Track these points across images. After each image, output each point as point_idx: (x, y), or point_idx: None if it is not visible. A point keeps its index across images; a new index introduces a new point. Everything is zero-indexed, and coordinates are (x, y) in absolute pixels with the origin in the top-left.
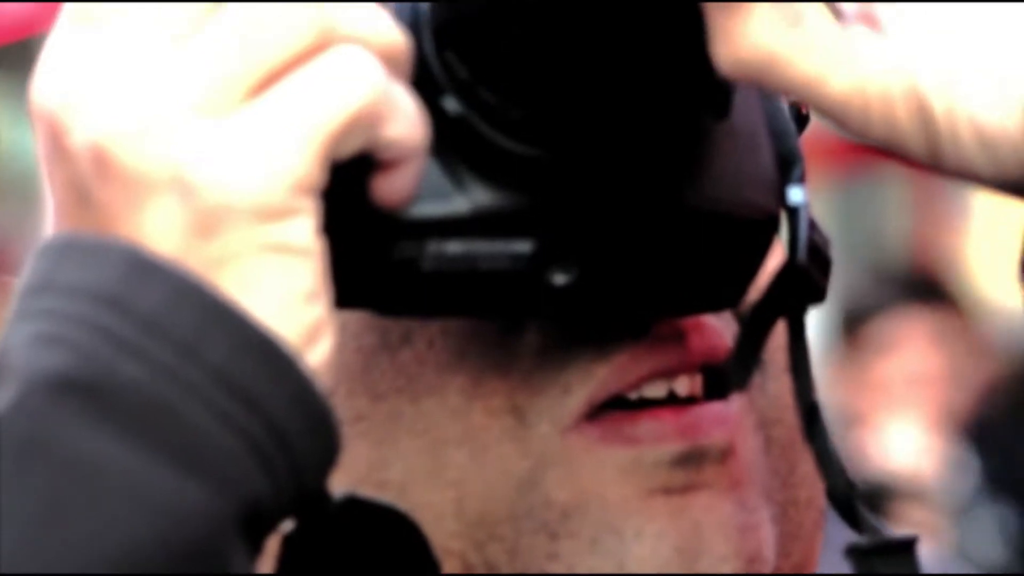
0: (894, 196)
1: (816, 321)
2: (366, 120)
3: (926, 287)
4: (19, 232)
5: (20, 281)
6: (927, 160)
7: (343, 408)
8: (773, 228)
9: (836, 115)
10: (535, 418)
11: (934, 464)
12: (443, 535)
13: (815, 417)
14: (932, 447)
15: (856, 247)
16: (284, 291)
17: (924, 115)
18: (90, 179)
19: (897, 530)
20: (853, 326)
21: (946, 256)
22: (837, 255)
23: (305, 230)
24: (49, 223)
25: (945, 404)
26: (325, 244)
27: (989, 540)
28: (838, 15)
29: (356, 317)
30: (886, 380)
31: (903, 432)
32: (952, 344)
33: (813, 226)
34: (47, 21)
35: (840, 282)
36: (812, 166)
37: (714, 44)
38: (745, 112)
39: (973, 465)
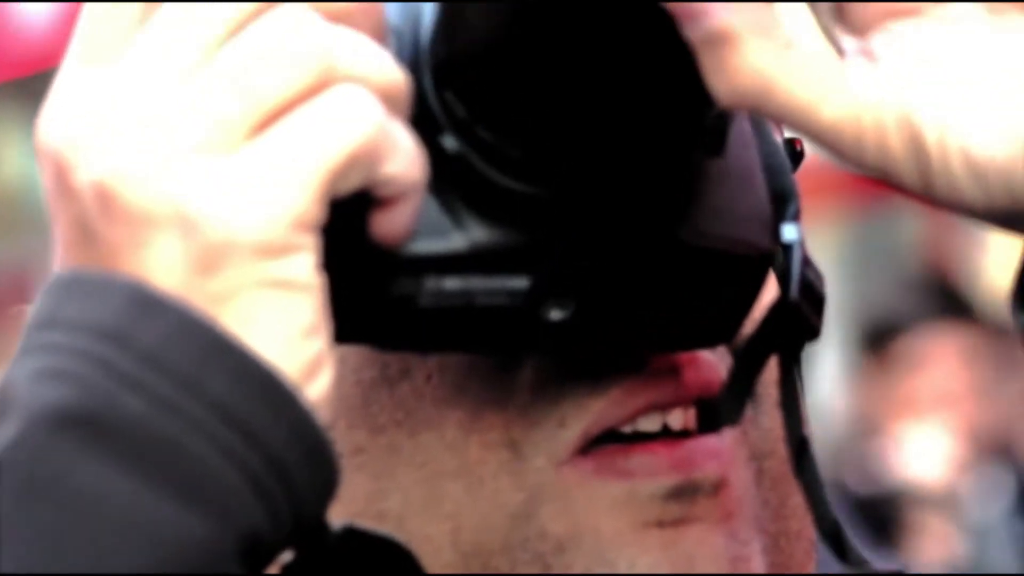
0: (914, 210)
1: (841, 335)
2: (366, 158)
3: (953, 303)
4: (37, 263)
5: (28, 317)
6: (919, 189)
7: (343, 441)
8: (767, 265)
9: (830, 142)
10: (531, 451)
11: (956, 477)
12: (439, 566)
13: (805, 452)
14: (957, 460)
15: (879, 262)
16: (284, 326)
17: (917, 144)
18: (94, 216)
19: (915, 542)
20: (879, 341)
21: (967, 271)
22: (860, 269)
23: (305, 266)
24: (57, 260)
25: (972, 420)
26: (325, 280)
27: (1010, 558)
28: (839, 49)
29: (355, 351)
30: (913, 396)
31: (925, 443)
32: (980, 361)
33: (807, 263)
34: (62, 54)
35: (865, 297)
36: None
37: (709, 77)
38: (740, 150)
39: (1005, 483)
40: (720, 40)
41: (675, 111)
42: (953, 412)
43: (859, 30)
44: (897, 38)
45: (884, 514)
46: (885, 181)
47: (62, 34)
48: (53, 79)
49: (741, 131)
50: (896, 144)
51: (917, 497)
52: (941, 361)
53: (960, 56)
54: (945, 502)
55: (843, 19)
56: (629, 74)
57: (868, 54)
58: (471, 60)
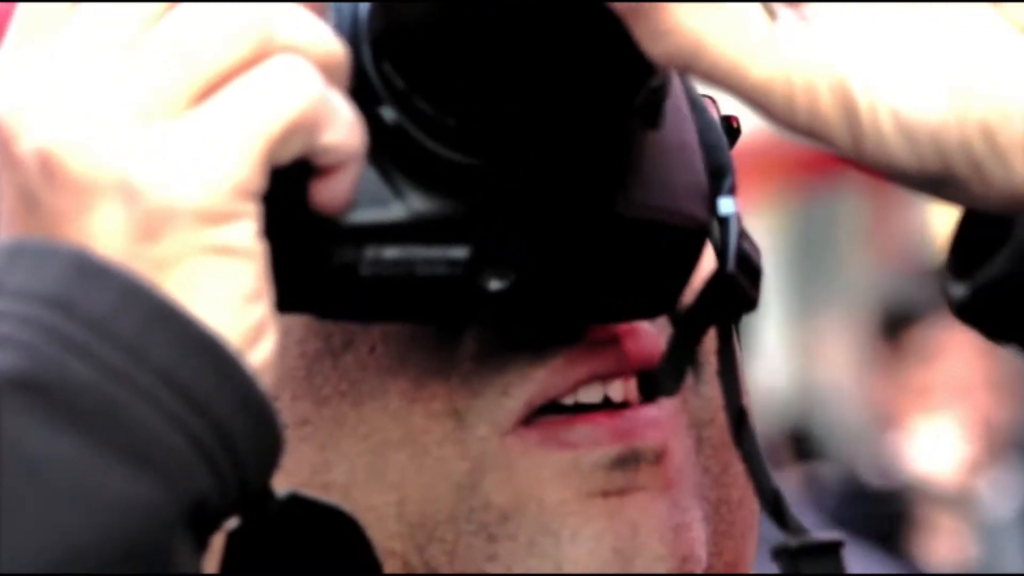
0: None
1: (855, 322)
2: (304, 126)
3: None
4: None
5: None
6: (850, 151)
7: (287, 413)
8: (704, 236)
9: (760, 102)
10: (474, 420)
11: (969, 475)
12: (384, 536)
13: (743, 421)
14: (970, 456)
15: (892, 250)
16: (226, 292)
17: (848, 105)
18: (38, 185)
19: (924, 537)
20: (895, 330)
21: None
22: (874, 258)
23: (246, 232)
24: (1, 232)
25: (987, 414)
26: (266, 248)
27: (1022, 559)
28: (772, 15)
29: (299, 323)
30: (927, 386)
31: (938, 437)
32: (995, 352)
33: (743, 236)
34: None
35: (880, 286)
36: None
37: (639, 40)
38: (676, 124)
39: (1020, 481)
40: (649, 4)
41: (610, 82)
42: (967, 405)
43: None
44: (832, 5)
45: (896, 509)
46: (816, 142)
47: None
48: None
49: (677, 106)
50: (827, 105)
51: (929, 494)
52: (956, 352)
53: (893, 20)
54: (958, 500)
55: None
56: (564, 45)
57: (802, 18)
58: (408, 32)
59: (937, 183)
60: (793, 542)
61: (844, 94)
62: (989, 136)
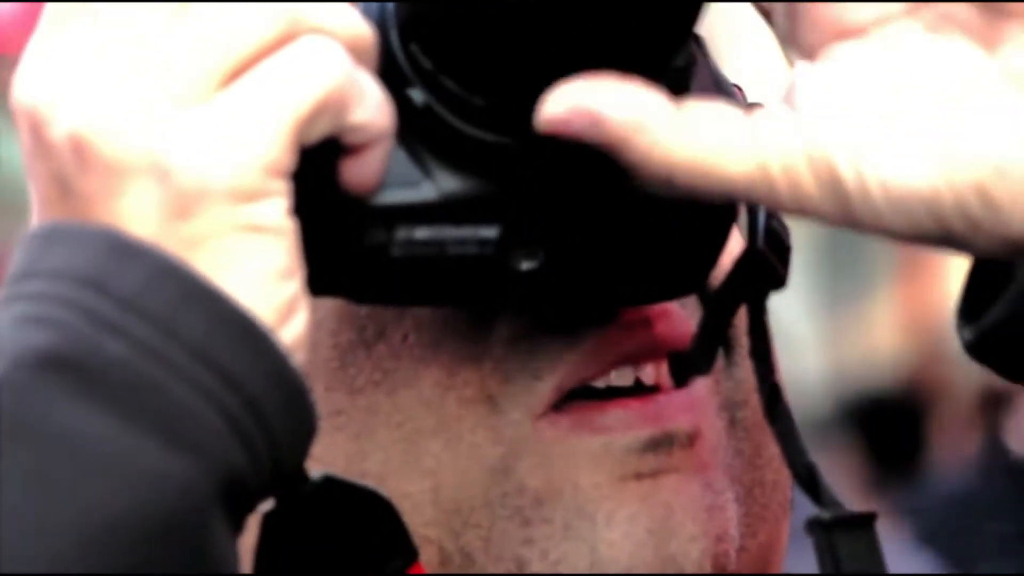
0: None
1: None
2: (333, 105)
3: None
4: (13, 243)
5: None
6: (841, 222)
7: (322, 403)
8: (732, 214)
9: (745, 195)
10: (507, 405)
11: None
12: (420, 523)
13: (777, 398)
14: None
15: None
16: (258, 269)
17: (833, 183)
18: (71, 169)
19: None
20: None
21: None
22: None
23: (277, 210)
24: (35, 217)
25: None
26: (297, 228)
27: None
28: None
29: (332, 314)
30: None
31: None
32: None
33: (771, 213)
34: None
35: None
36: None
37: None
38: (702, 98)
39: None
40: (619, 142)
41: (638, 57)
42: None
43: (807, 52)
44: (835, 63)
45: None
46: (805, 218)
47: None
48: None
49: (704, 86)
50: (811, 185)
51: None
52: None
53: (890, 82)
54: None
55: (793, 42)
56: (591, 20)
57: (788, 100)
58: (435, 13)
59: (935, 240)
60: (827, 514)
61: (829, 172)
62: (983, 194)
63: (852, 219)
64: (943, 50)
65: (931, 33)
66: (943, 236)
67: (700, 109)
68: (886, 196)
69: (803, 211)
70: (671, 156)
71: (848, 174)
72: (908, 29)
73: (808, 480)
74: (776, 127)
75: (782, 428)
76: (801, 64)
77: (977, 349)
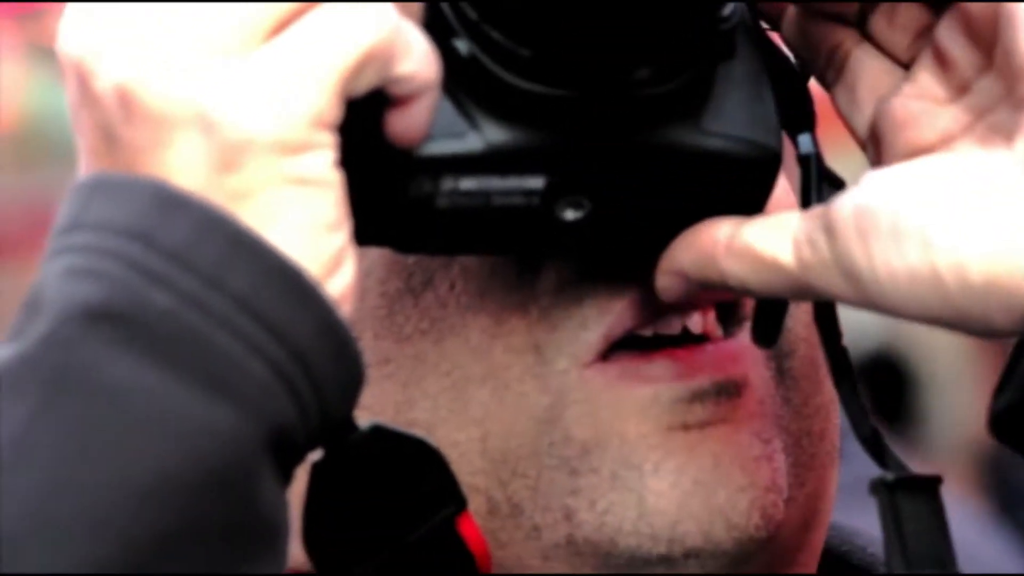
0: None
1: None
2: (379, 57)
3: None
4: (61, 194)
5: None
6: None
7: (370, 352)
8: (775, 167)
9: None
10: (554, 354)
11: None
12: (468, 472)
13: (843, 363)
14: None
15: None
16: (305, 221)
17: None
18: (116, 120)
19: None
20: None
21: None
22: None
23: (324, 162)
24: (81, 168)
25: None
26: (344, 180)
27: None
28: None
29: (380, 263)
30: None
31: None
32: None
33: (826, 174)
34: None
35: None
36: None
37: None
38: (747, 58)
39: None
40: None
41: (686, 12)
42: None
43: (883, 162)
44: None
45: None
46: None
47: None
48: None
49: (747, 39)
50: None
51: None
52: None
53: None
54: None
55: (875, 157)
56: None
57: (829, 227)
58: None
59: (949, 325)
60: (890, 476)
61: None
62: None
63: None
64: (984, 166)
65: (983, 147)
66: (954, 321)
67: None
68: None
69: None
70: (725, 278)
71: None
72: (966, 144)
73: (873, 442)
74: (808, 253)
75: (846, 391)
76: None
77: (994, 429)
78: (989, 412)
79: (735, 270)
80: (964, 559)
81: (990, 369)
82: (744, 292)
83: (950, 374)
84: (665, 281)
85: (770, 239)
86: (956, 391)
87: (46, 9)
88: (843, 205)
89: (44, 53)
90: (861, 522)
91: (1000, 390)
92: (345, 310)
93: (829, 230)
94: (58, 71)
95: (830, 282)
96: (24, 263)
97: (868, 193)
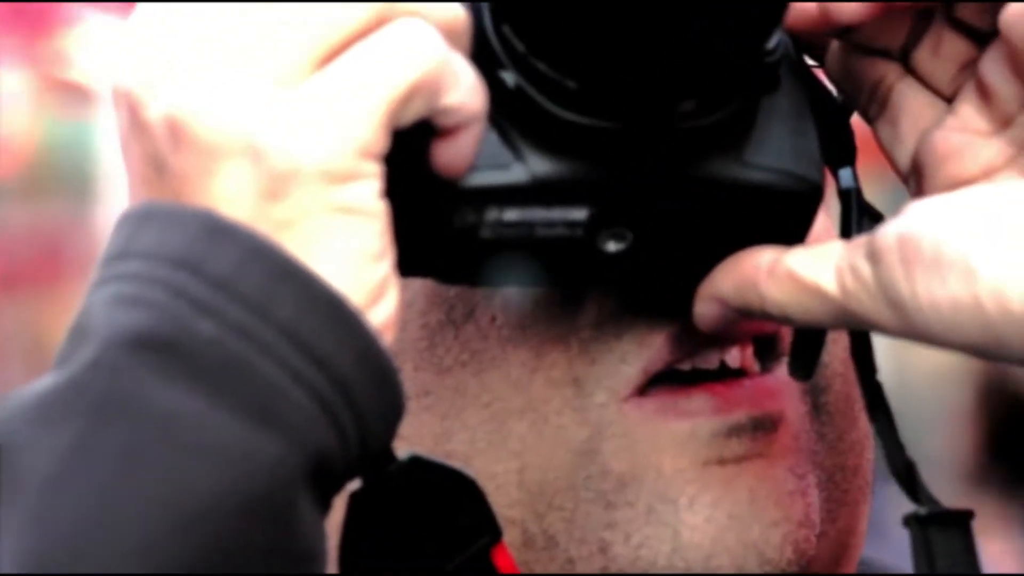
0: None
1: None
2: (427, 88)
3: None
4: (74, 225)
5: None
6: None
7: (410, 383)
8: (817, 200)
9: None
10: (592, 387)
11: None
12: (505, 504)
13: (879, 397)
14: None
15: None
16: (349, 251)
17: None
18: (166, 149)
19: None
20: None
21: None
22: None
23: (370, 193)
24: (129, 198)
25: None
26: (388, 210)
27: None
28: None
29: (421, 294)
30: None
31: None
32: None
33: (866, 208)
34: None
35: None
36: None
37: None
38: (791, 91)
39: None
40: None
41: (731, 45)
42: None
43: (925, 195)
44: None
45: None
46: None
47: None
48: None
49: (790, 72)
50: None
51: None
52: None
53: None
54: None
55: (917, 190)
56: (686, 6)
57: (872, 255)
58: None
59: (989, 355)
60: (923, 510)
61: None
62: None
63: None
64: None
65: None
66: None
67: (794, 260)
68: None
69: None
70: (766, 304)
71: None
72: (1008, 176)
73: (906, 477)
74: (850, 283)
75: (882, 425)
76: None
77: None
78: None
79: (776, 296)
80: None
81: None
82: (784, 320)
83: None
84: (704, 308)
85: (813, 265)
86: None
87: (57, 43)
88: (886, 233)
89: (55, 87)
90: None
91: None
92: (387, 340)
93: (872, 257)
94: (68, 105)
95: (872, 309)
96: (34, 295)
97: (911, 221)
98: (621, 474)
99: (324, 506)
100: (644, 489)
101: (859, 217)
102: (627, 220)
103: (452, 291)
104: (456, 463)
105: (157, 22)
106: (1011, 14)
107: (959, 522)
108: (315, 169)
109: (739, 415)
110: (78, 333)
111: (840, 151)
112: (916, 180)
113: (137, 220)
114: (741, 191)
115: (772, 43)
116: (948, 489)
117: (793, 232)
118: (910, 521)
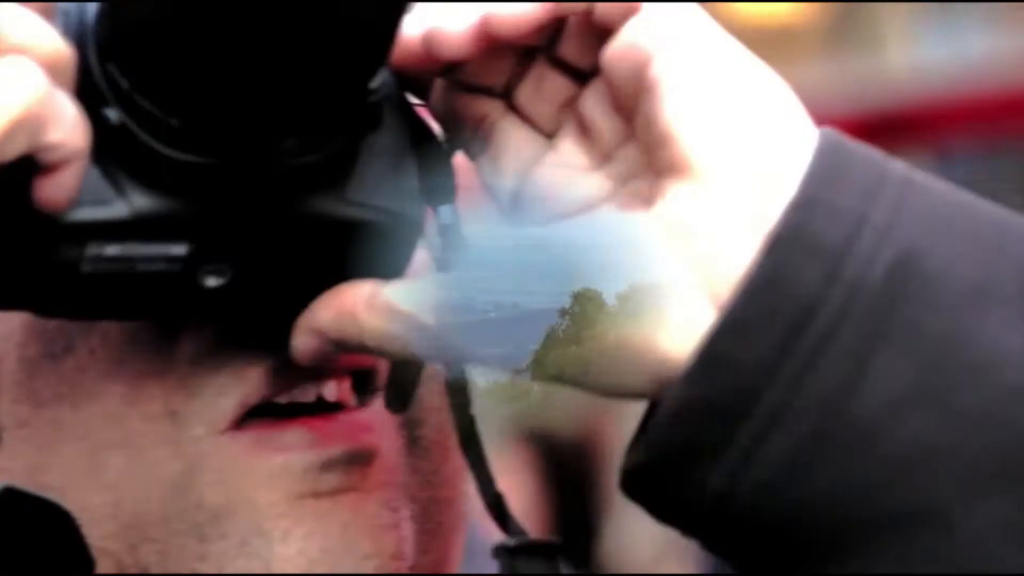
0: None
1: None
2: (29, 124)
3: None
4: None
5: None
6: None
7: (7, 415)
8: (414, 235)
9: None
10: (190, 421)
11: None
12: (100, 536)
13: (472, 431)
14: None
15: None
16: None
17: None
18: None
19: None
20: None
21: None
22: None
23: None
24: None
25: None
26: None
27: None
28: None
29: (20, 327)
30: None
31: None
32: None
33: (463, 244)
34: None
35: None
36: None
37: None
38: (393, 129)
39: None
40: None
41: (337, 86)
42: None
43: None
44: None
45: None
46: None
47: None
48: None
49: (393, 112)
50: None
51: None
52: None
53: None
54: None
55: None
56: (287, 49)
57: None
58: (132, 33)
59: (586, 387)
60: (511, 542)
61: None
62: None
63: None
64: None
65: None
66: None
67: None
68: None
69: None
70: (364, 336)
71: None
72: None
73: (497, 508)
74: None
75: (474, 457)
76: None
77: (624, 487)
78: (620, 470)
79: (375, 327)
80: None
81: None
82: (382, 353)
83: None
84: (302, 340)
85: (411, 298)
86: None
87: None
88: None
89: None
90: None
91: (631, 450)
92: None
93: None
94: None
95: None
96: None
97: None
98: (216, 507)
99: None
100: (238, 522)
101: (456, 252)
102: (227, 256)
103: (52, 324)
104: (52, 495)
105: None
106: (612, 53)
107: (546, 552)
108: None
109: (334, 449)
110: None
111: (441, 188)
112: (517, 216)
113: None
114: (341, 227)
115: (376, 82)
116: None
117: (392, 266)
118: (499, 552)
